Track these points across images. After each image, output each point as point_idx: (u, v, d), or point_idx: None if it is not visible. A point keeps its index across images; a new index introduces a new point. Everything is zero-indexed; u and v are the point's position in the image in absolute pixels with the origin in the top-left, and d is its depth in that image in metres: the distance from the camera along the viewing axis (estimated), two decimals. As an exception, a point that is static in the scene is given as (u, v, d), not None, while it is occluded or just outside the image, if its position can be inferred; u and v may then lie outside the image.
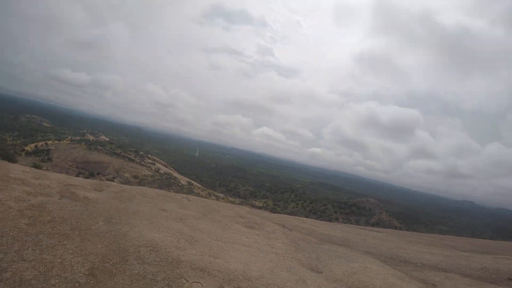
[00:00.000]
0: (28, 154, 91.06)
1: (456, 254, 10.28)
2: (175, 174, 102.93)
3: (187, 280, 4.27)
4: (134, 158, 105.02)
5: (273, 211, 59.58)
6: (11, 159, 33.94)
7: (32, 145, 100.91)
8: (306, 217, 13.75)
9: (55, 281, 3.64)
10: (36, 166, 35.58)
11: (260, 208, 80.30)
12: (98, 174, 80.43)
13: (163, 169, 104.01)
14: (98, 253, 4.57)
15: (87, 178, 13.42)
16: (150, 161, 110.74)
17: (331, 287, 4.89)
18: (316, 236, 8.52)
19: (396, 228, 79.52)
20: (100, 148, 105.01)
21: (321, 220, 12.46)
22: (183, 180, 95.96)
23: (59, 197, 6.83)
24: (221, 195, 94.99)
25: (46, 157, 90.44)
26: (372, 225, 79.55)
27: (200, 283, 4.26)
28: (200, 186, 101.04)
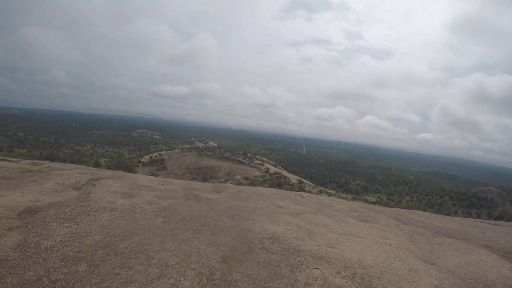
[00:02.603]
0: (144, 164, 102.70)
1: None
2: (285, 173, 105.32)
3: (307, 267, 4.80)
4: (243, 160, 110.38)
5: (387, 205, 57.37)
6: (131, 170, 38.51)
7: (147, 156, 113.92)
8: (423, 210, 13.27)
9: (194, 265, 4.55)
10: (153, 174, 39.92)
11: (373, 203, 77.46)
12: (211, 177, 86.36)
13: (273, 169, 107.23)
14: (228, 244, 5.45)
15: (202, 182, 15.04)
16: (259, 161, 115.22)
17: (442, 277, 4.96)
18: (431, 229, 8.28)
19: (525, 221, 69.17)
20: (210, 153, 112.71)
21: (438, 214, 11.81)
22: (293, 178, 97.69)
23: (185, 199, 8.11)
24: (332, 192, 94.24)
25: (161, 166, 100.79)
26: (496, 218, 70.25)
27: (319, 269, 4.76)
28: (311, 183, 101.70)
